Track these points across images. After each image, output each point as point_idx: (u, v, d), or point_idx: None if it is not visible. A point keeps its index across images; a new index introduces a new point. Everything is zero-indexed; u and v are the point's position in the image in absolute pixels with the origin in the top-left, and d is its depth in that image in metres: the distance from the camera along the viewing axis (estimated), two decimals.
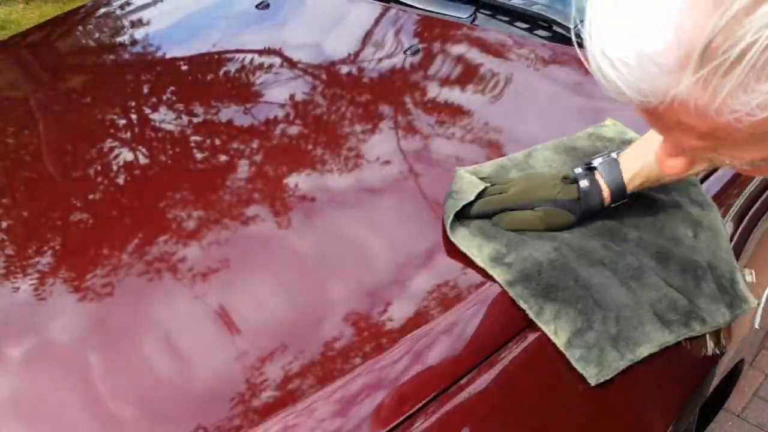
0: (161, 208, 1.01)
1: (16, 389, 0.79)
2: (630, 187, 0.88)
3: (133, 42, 1.53)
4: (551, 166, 0.98)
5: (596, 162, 0.89)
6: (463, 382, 0.77)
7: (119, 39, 1.56)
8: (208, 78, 1.34)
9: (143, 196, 1.04)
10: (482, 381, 0.77)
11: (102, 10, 1.71)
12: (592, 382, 0.78)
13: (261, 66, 1.34)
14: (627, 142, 0.98)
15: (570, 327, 0.80)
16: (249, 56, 1.37)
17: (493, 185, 0.93)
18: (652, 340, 0.82)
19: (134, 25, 1.60)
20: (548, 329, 0.80)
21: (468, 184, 0.92)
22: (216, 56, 1.40)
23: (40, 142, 1.22)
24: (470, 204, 0.90)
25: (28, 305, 0.89)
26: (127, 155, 1.14)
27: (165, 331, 0.83)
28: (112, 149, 1.16)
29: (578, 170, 0.90)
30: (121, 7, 1.70)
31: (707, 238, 0.92)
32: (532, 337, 0.81)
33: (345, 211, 0.98)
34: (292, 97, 1.22)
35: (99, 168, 1.12)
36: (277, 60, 1.35)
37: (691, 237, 0.92)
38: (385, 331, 0.80)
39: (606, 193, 0.88)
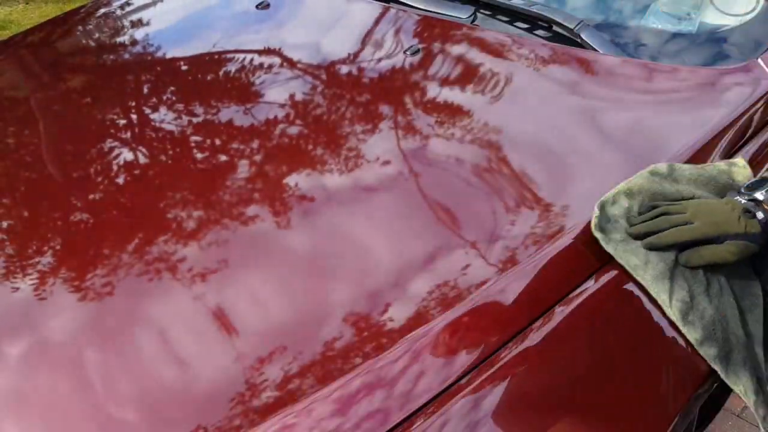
0: (161, 208, 1.01)
1: (16, 389, 0.79)
2: None
3: (133, 42, 1.53)
4: (696, 193, 0.95)
5: (759, 195, 0.89)
6: (463, 382, 0.77)
7: (119, 39, 1.56)
8: (208, 78, 1.34)
9: (143, 196, 1.04)
10: (482, 381, 0.77)
11: (102, 10, 1.71)
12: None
13: (261, 66, 1.34)
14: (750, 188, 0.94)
15: (753, 386, 0.86)
16: (249, 56, 1.37)
17: (669, 204, 0.91)
18: None
19: (134, 25, 1.60)
20: (737, 389, 0.86)
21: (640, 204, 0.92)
22: (216, 56, 1.40)
23: (40, 142, 1.22)
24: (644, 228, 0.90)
25: (27, 305, 0.89)
26: (127, 155, 1.14)
27: (165, 331, 0.83)
28: (112, 149, 1.16)
29: (742, 201, 0.89)
30: (121, 7, 1.70)
31: None
32: (531, 337, 0.81)
33: (345, 211, 0.98)
34: (292, 97, 1.22)
35: (99, 168, 1.12)
36: (277, 60, 1.35)
37: None
38: (385, 331, 0.80)
39: None
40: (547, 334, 0.82)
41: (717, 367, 0.86)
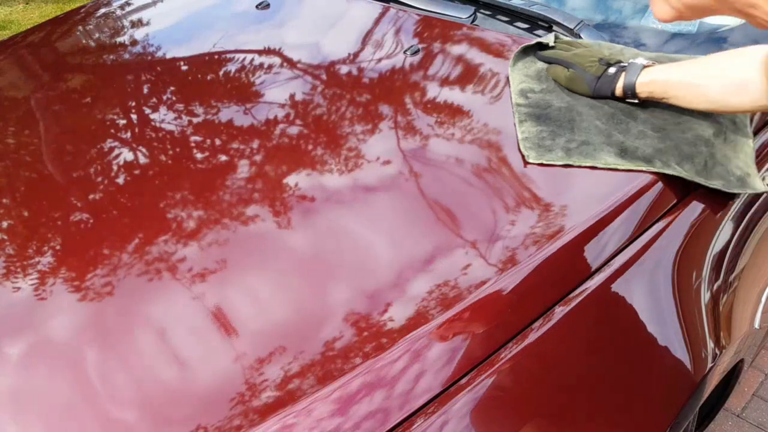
0: (161, 208, 1.01)
1: (15, 389, 0.79)
2: (640, 89, 1.07)
3: (133, 42, 1.53)
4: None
5: (630, 62, 1.10)
6: (463, 382, 0.77)
7: (119, 39, 1.56)
8: (208, 78, 1.34)
9: (143, 196, 1.04)
10: (482, 381, 0.77)
11: (102, 10, 1.71)
12: (529, 159, 1.02)
13: (261, 66, 1.34)
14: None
15: (534, 133, 1.05)
16: (249, 56, 1.37)
17: (569, 42, 1.21)
18: (600, 159, 1.01)
19: (134, 25, 1.60)
20: (519, 130, 1.07)
21: (551, 37, 1.23)
22: (216, 56, 1.40)
23: (40, 142, 1.22)
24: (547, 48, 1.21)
25: (27, 305, 0.89)
26: (127, 155, 1.14)
27: (165, 331, 0.83)
28: (112, 149, 1.16)
29: (618, 63, 1.11)
30: (121, 7, 1.70)
31: (725, 142, 1.06)
32: (531, 337, 0.81)
33: (345, 211, 0.98)
34: (292, 97, 1.22)
35: (99, 168, 1.12)
36: (277, 60, 1.35)
37: (709, 136, 1.06)
38: (385, 331, 0.80)
39: (620, 85, 1.09)
40: (547, 334, 0.83)
41: (516, 117, 1.09)
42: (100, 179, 1.10)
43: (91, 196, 1.06)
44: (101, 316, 0.86)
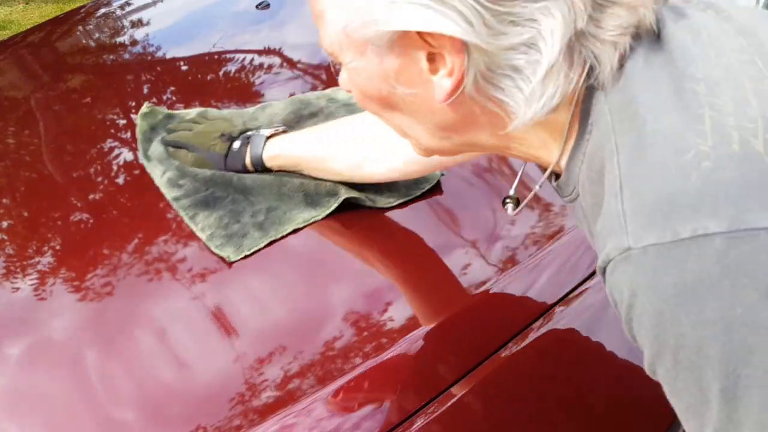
0: (161, 208, 1.01)
1: (15, 389, 0.79)
2: (269, 164, 0.99)
3: (133, 42, 1.53)
4: (273, 120, 1.11)
5: (252, 134, 1.01)
6: (462, 382, 0.77)
7: (119, 39, 1.56)
8: (208, 78, 1.34)
9: (143, 196, 1.04)
10: (482, 381, 0.77)
11: (102, 10, 1.71)
12: (231, 259, 0.89)
13: (261, 66, 1.34)
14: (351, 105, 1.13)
15: (214, 222, 0.94)
16: (249, 56, 1.37)
17: (187, 120, 1.11)
18: (297, 219, 0.93)
19: (134, 25, 1.60)
20: (197, 229, 0.94)
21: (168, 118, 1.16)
22: (216, 56, 1.40)
23: (40, 142, 1.22)
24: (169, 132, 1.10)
25: (27, 305, 0.89)
26: (127, 155, 1.14)
27: (165, 332, 0.83)
28: (112, 149, 1.16)
29: (244, 134, 1.02)
30: (121, 7, 1.70)
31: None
32: (531, 337, 0.81)
33: (345, 212, 0.98)
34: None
35: (99, 168, 1.12)
36: (277, 60, 1.35)
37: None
38: (385, 331, 0.80)
39: (248, 161, 0.99)
40: (548, 333, 0.82)
41: (184, 214, 0.97)
42: (100, 179, 1.10)
43: (91, 196, 1.06)
44: (101, 315, 0.86)
